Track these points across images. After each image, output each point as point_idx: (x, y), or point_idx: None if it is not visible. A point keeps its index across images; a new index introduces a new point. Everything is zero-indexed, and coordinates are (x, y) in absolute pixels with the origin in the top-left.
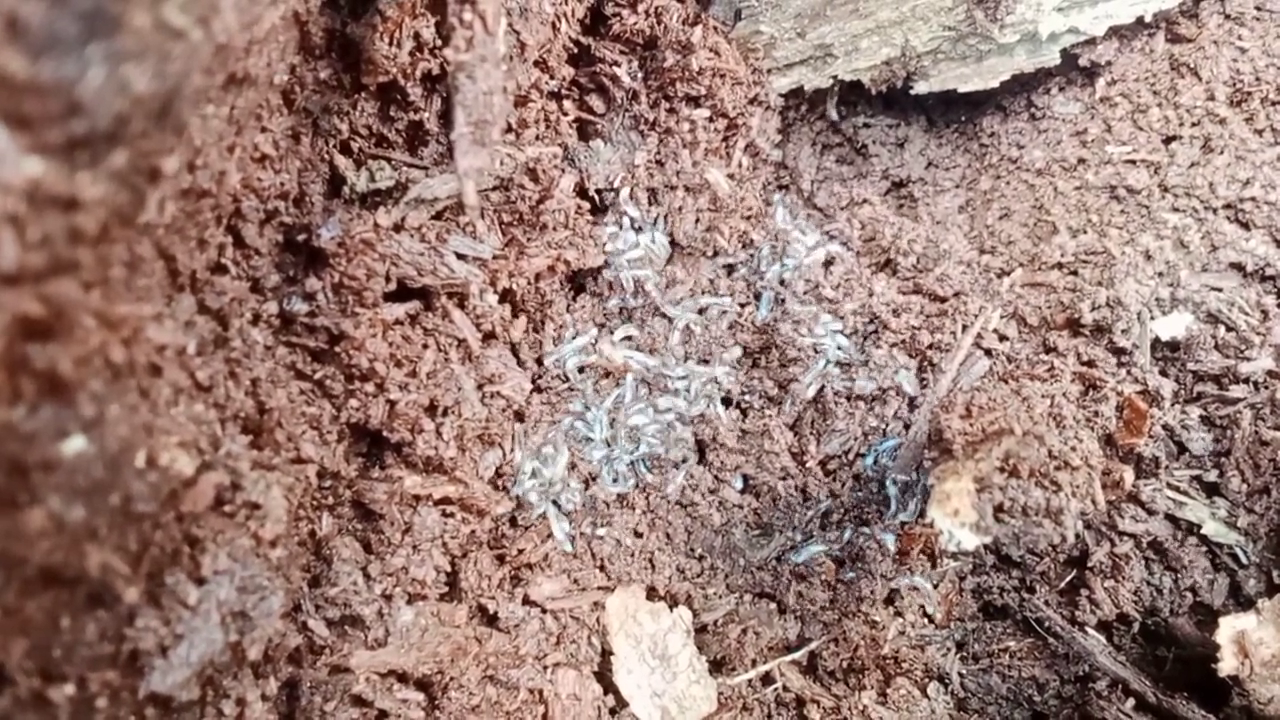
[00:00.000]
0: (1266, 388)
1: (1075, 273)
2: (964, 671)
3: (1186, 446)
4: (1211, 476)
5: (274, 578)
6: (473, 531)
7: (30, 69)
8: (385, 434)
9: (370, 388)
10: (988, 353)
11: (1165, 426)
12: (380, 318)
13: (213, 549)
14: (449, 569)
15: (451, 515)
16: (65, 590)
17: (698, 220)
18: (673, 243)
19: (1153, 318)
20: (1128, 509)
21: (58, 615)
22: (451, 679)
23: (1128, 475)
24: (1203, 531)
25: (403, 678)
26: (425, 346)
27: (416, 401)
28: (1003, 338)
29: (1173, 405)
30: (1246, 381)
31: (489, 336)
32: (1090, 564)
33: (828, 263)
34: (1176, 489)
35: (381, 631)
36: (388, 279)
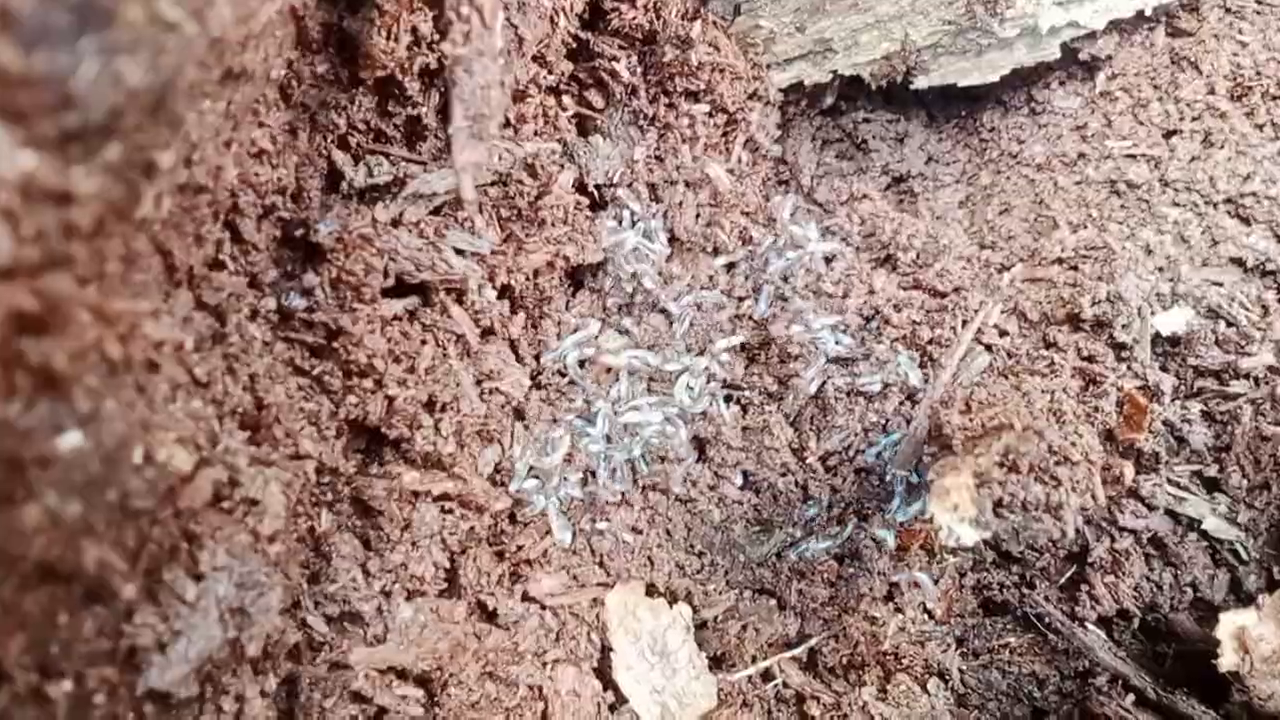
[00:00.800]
0: (1267, 383)
1: (1075, 268)
2: (964, 667)
3: (1187, 442)
4: (1212, 472)
5: (272, 574)
6: (472, 528)
7: (23, 61)
8: (384, 430)
9: (369, 383)
10: (988, 348)
11: (1166, 422)
12: (378, 313)
13: (211, 545)
14: (448, 565)
15: (450, 511)
16: (63, 586)
17: (698, 215)
18: (672, 238)
19: (1153, 313)
20: (1128, 504)
21: (55, 611)
22: (451, 675)
23: (1128, 470)
24: (1203, 527)
25: (402, 674)
26: (424, 342)
27: (415, 397)
28: (1003, 333)
29: (1173, 400)
30: (1247, 377)
31: (488, 332)
32: (1090, 560)
33: (828, 258)
34: (1177, 484)
35: (381, 628)
36: (386, 274)
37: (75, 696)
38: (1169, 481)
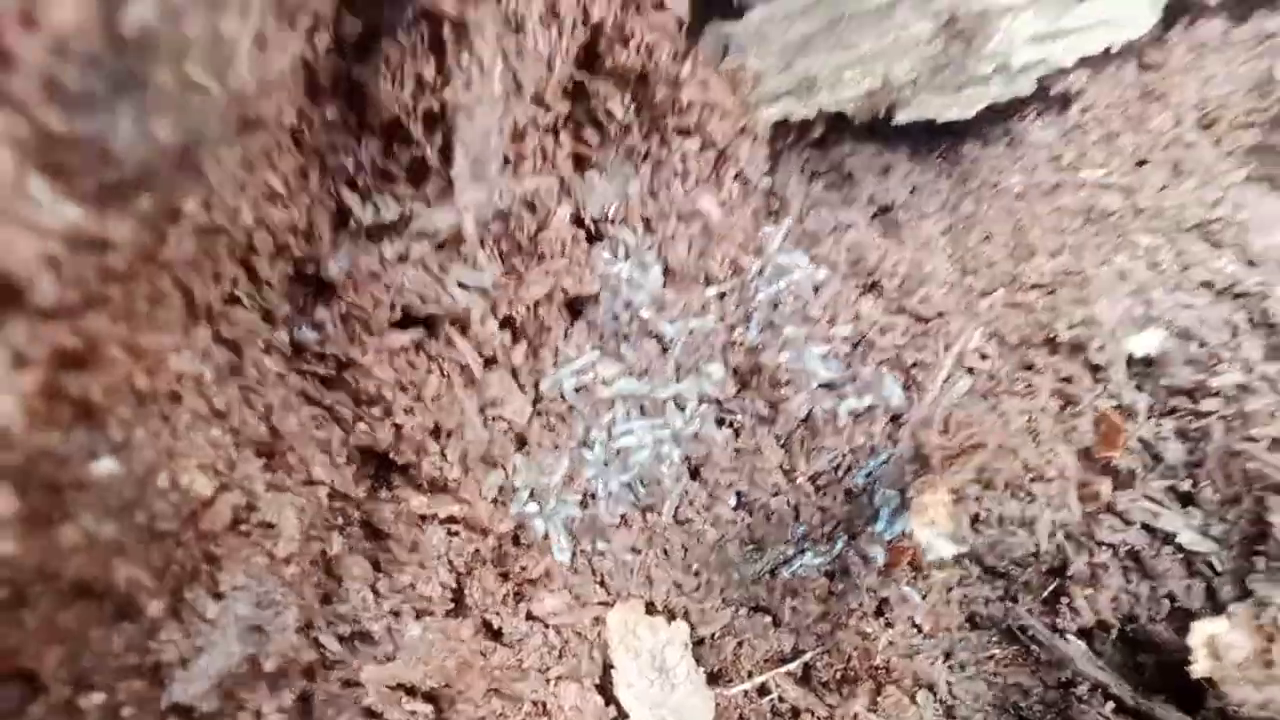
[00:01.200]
0: (1236, 401)
1: (1053, 292)
2: (952, 679)
3: (1162, 458)
4: (1186, 487)
5: (288, 594)
6: (477, 549)
7: (67, 125)
8: (392, 456)
9: (377, 412)
10: (970, 370)
11: (1141, 439)
12: (386, 345)
13: (230, 566)
14: (454, 586)
15: (456, 534)
16: (96, 603)
17: (690, 247)
18: (666, 269)
19: (1127, 335)
20: (1105, 519)
21: (89, 627)
22: (458, 692)
23: (1105, 487)
24: (1178, 540)
25: (411, 691)
26: (429, 372)
27: (422, 425)
28: (984, 356)
29: (1148, 419)
30: (1218, 395)
31: (490, 362)
32: (1070, 573)
33: (815, 286)
34: (1152, 499)
35: (390, 646)
36: (393, 308)
37: (105, 708)
38: (1145, 497)
